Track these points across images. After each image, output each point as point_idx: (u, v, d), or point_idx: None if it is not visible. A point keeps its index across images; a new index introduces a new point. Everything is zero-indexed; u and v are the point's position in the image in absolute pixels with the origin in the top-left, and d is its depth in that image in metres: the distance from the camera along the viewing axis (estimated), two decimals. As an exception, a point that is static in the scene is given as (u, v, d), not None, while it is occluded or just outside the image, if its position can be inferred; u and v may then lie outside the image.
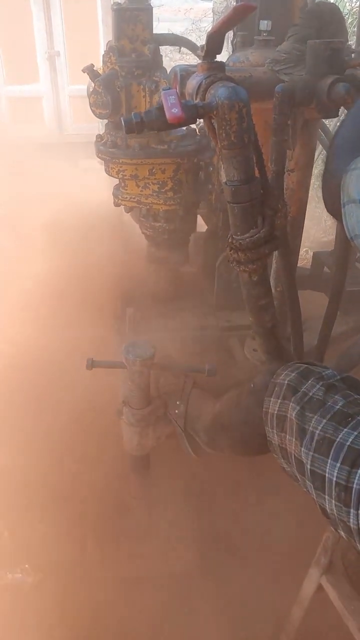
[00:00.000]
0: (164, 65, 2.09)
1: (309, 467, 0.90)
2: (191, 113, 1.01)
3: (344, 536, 0.89)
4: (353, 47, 1.86)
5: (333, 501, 0.85)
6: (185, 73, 1.25)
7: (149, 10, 1.98)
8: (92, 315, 2.32)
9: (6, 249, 3.03)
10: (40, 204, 3.43)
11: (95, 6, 5.19)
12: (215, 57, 1.13)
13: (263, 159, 1.11)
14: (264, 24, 1.61)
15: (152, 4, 2.01)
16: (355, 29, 2.64)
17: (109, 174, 2.15)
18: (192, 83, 1.15)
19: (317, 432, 0.91)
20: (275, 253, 1.46)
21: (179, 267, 2.42)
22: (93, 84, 2.06)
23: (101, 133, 2.16)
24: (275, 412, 1.04)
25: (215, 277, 2.24)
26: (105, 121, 2.22)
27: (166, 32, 2.39)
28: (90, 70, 2.06)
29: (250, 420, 1.17)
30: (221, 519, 1.88)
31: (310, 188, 1.67)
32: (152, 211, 2.18)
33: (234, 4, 1.22)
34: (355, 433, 0.86)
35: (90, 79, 2.07)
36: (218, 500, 1.91)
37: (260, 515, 1.81)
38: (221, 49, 1.11)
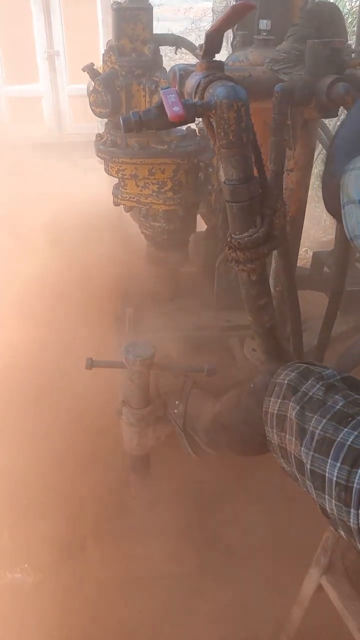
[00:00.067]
0: (163, 66, 2.09)
1: (309, 466, 0.90)
2: (190, 112, 1.00)
3: (344, 536, 0.88)
4: (353, 46, 1.86)
5: (333, 501, 0.85)
6: (184, 72, 1.25)
7: (149, 9, 1.98)
8: (91, 315, 2.32)
9: (6, 249, 3.03)
10: (39, 204, 3.42)
11: (95, 6, 5.19)
12: (214, 56, 1.12)
13: (262, 158, 1.11)
14: (264, 24, 1.61)
15: (151, 4, 2.01)
16: (355, 28, 2.64)
17: (108, 174, 2.15)
18: (191, 82, 1.14)
19: (317, 431, 0.90)
20: (275, 253, 1.46)
21: (179, 267, 2.42)
22: (93, 83, 2.06)
23: (101, 132, 2.16)
24: (275, 412, 1.03)
25: (215, 277, 2.24)
26: (105, 120, 2.22)
27: (166, 31, 2.39)
28: (90, 69, 2.06)
29: (250, 420, 1.17)
30: (221, 519, 1.87)
31: (310, 188, 1.67)
32: (152, 211, 2.17)
33: (234, 2, 1.21)
34: (356, 433, 0.86)
35: (90, 78, 2.07)
36: (218, 500, 1.91)
37: (260, 516, 1.81)
38: (220, 48, 1.11)
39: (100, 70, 2.09)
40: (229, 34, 1.46)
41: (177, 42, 2.32)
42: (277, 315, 1.42)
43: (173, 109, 0.98)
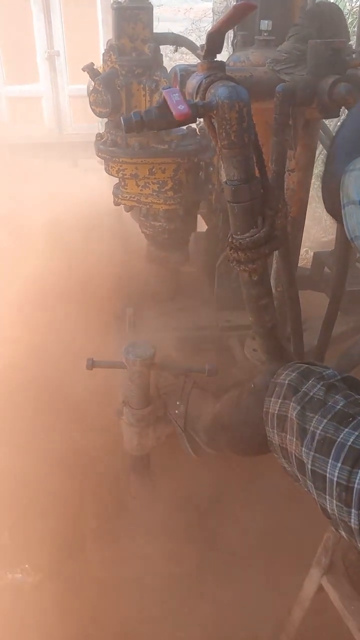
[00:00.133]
0: (164, 65, 2.09)
1: (309, 467, 0.90)
2: (192, 112, 1.01)
3: (345, 536, 0.89)
4: (354, 47, 1.86)
5: (334, 501, 0.85)
6: (185, 73, 1.25)
7: (149, 9, 1.98)
8: (92, 315, 2.32)
9: (6, 249, 3.03)
10: (40, 204, 3.43)
11: (95, 6, 5.18)
12: (216, 57, 1.13)
13: (263, 158, 1.11)
14: (265, 24, 1.61)
15: (152, 3, 2.01)
16: (356, 28, 2.64)
17: (109, 173, 2.15)
18: (192, 82, 1.14)
19: (318, 432, 0.90)
20: (276, 253, 1.46)
21: (179, 266, 2.42)
22: (93, 83, 2.06)
23: (101, 132, 2.16)
24: (276, 412, 1.03)
25: (216, 277, 2.24)
26: (105, 120, 2.22)
27: (166, 31, 2.38)
28: (90, 69, 2.06)
29: (250, 420, 1.17)
30: (221, 519, 1.87)
31: (311, 188, 1.67)
32: (152, 211, 2.17)
33: (234, 3, 1.21)
34: (356, 433, 0.86)
35: (90, 77, 2.07)
36: (218, 500, 1.91)
37: (260, 516, 1.81)
38: (221, 48, 1.11)
39: (100, 70, 2.09)
40: (229, 34, 1.45)
41: (177, 41, 2.32)
42: (277, 315, 1.42)
43: (178, 107, 0.97)
